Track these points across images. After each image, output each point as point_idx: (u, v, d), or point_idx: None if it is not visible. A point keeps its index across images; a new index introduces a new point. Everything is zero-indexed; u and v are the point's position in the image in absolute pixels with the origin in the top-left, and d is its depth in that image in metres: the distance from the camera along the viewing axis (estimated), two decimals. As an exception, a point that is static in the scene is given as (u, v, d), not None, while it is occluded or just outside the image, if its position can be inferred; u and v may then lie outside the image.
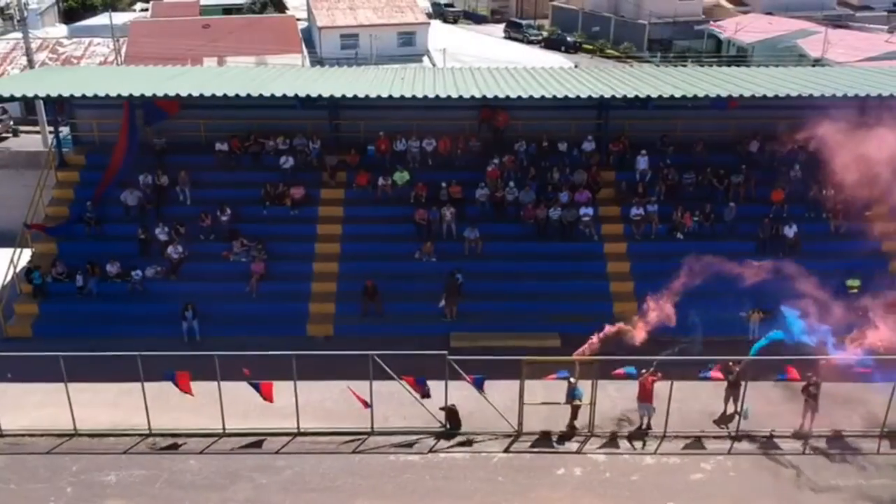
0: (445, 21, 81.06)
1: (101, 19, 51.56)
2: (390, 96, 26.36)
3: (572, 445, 21.41)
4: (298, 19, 56.09)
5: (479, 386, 21.21)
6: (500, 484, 20.00)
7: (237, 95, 25.77)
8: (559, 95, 26.49)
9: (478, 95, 26.73)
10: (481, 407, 21.76)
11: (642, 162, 29.13)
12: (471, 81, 29.85)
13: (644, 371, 21.56)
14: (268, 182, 28.51)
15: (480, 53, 49.40)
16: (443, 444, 21.42)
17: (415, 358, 21.26)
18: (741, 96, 26.54)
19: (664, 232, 28.04)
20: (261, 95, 26.03)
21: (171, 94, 26.29)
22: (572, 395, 21.51)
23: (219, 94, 25.82)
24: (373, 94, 26.10)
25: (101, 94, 26.00)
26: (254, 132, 29.71)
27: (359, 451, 21.12)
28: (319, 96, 26.47)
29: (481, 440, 21.55)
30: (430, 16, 69.10)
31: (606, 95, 26.28)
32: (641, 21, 66.94)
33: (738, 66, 47.27)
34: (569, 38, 70.00)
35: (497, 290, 26.69)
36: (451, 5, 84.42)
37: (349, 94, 26.07)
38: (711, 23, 64.16)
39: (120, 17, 57.65)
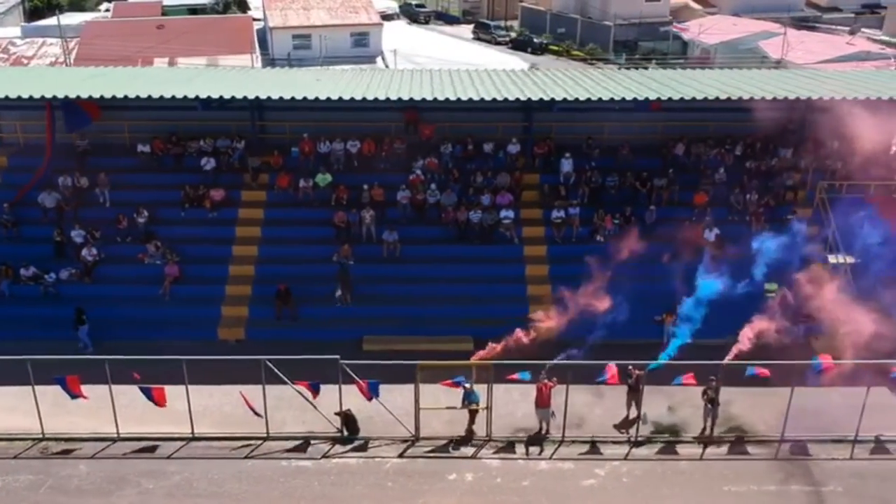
0: (417, 22, 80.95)
1: (56, 20, 51.25)
2: (304, 98, 26.20)
3: (468, 450, 21.25)
4: (256, 20, 56.03)
5: (373, 391, 21.01)
6: (388, 489, 19.84)
7: (150, 97, 25.65)
8: (475, 98, 26.34)
9: (405, 97, 26.46)
10: (382, 412, 21.60)
11: (566, 164, 28.99)
12: (398, 83, 29.70)
13: (543, 374, 21.39)
14: (187, 184, 28.28)
15: (436, 55, 49.24)
16: (338, 449, 21.25)
17: (324, 361, 21.02)
18: (659, 99, 26.38)
19: (585, 235, 27.87)
20: (173, 97, 25.89)
21: (84, 95, 26.10)
22: (468, 399, 21.35)
23: (131, 95, 25.68)
24: (286, 96, 25.99)
25: (13, 95, 25.79)
26: (177, 134, 29.48)
27: (251, 457, 20.93)
28: (233, 98, 26.24)
29: (377, 445, 21.37)
30: (396, 16, 68.93)
31: (511, 98, 26.10)
32: (607, 22, 66.79)
33: (702, 68, 47.15)
34: (535, 40, 69.84)
35: (413, 294, 26.52)
36: (422, 6, 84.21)
37: (263, 96, 26.01)
38: (675, 24, 63.99)
39: (81, 17, 57.40)
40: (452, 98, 26.46)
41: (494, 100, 26.16)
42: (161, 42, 48.91)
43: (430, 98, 26.57)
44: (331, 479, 20.12)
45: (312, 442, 21.43)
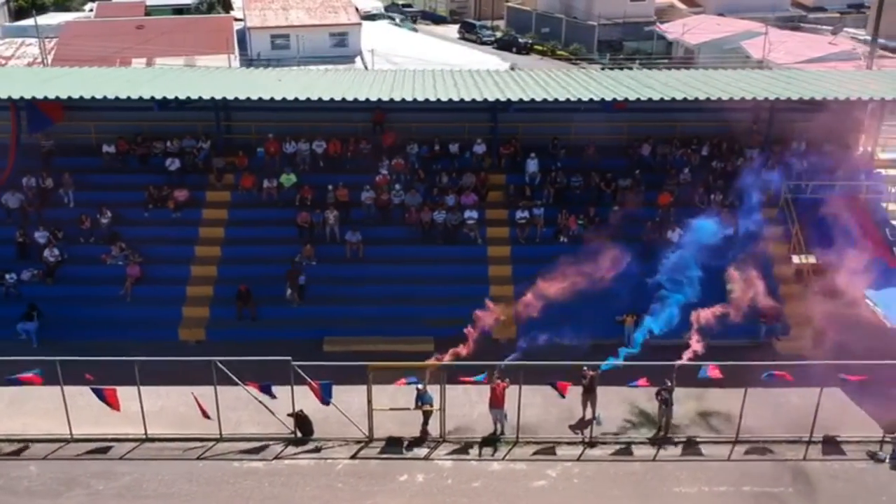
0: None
1: (40, 19, 51.20)
2: (270, 98, 26.16)
3: (421, 451, 21.23)
4: (239, 20, 55.97)
5: (325, 392, 20.97)
6: (338, 490, 19.83)
7: (105, 98, 25.57)
8: (443, 98, 26.29)
9: (371, 98, 26.41)
10: (337, 413, 21.56)
11: (532, 165, 28.97)
12: (365, 84, 29.67)
13: (496, 374, 21.37)
14: (151, 184, 28.24)
15: (415, 55, 49.14)
16: (291, 450, 21.20)
17: (282, 362, 20.92)
18: (622, 100, 26.32)
19: (550, 235, 27.84)
20: (140, 98, 25.89)
21: (40, 96, 26.02)
22: (422, 400, 21.32)
23: (87, 96, 25.69)
24: (244, 97, 26.02)
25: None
26: (142, 134, 29.45)
27: (203, 458, 20.89)
28: (189, 98, 26.22)
29: (330, 446, 21.34)
30: (373, 17, 68.87)
31: (477, 98, 26.07)
32: (591, 22, 66.78)
33: (686, 68, 47.06)
34: (520, 40, 69.85)
35: (375, 294, 26.46)
36: (409, 6, 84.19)
37: (219, 97, 26.08)
38: (657, 24, 63.97)
39: (62, 18, 57.35)
40: (420, 98, 26.42)
41: (452, 100, 26.09)
42: (140, 42, 48.83)
43: (397, 99, 26.58)
44: (281, 480, 20.08)
45: (266, 443, 21.37)
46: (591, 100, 25.88)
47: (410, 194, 28.06)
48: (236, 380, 20.92)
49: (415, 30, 64.93)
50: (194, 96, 25.84)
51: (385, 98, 26.06)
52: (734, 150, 29.22)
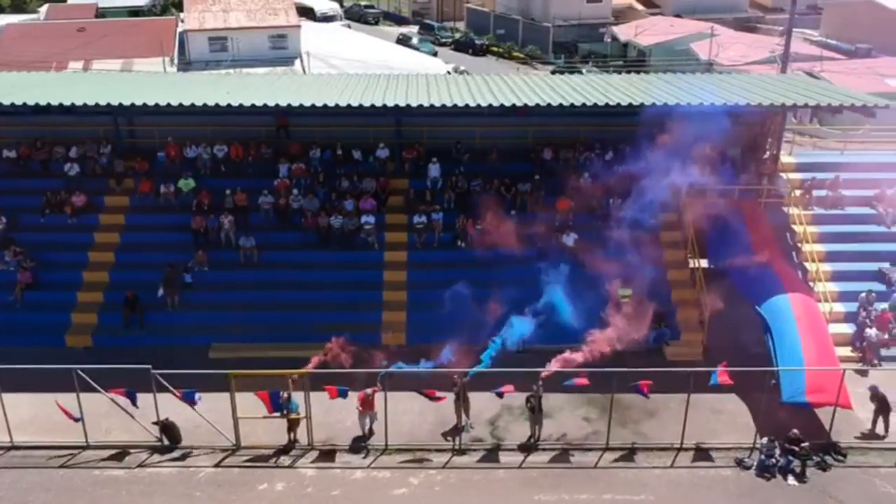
0: (366, 23, 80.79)
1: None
2: (168, 104, 26.11)
3: (287, 459, 21.12)
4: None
5: (189, 400, 20.85)
6: (195, 499, 19.73)
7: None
8: (330, 104, 26.14)
9: (270, 104, 26.33)
10: (209, 420, 21.44)
11: (433, 170, 28.88)
12: (273, 88, 29.63)
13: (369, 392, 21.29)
14: (48, 190, 28.10)
15: (355, 57, 49.01)
16: (156, 458, 21.09)
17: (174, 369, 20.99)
18: (525, 105, 26.28)
19: (448, 240, 27.75)
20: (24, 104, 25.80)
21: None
22: (287, 407, 21.19)
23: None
24: (141, 102, 25.92)
25: None
26: (43, 138, 29.29)
27: (67, 466, 20.78)
28: (97, 104, 26.15)
29: (196, 455, 21.24)
30: (329, 18, 68.65)
31: (366, 105, 25.95)
32: (546, 24, 66.68)
33: (637, 70, 46.91)
34: (476, 41, 69.73)
35: (268, 300, 26.33)
36: (371, 6, 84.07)
37: (115, 103, 26.00)
38: (608, 26, 63.91)
39: (6, 20, 57.02)
40: (319, 104, 26.27)
41: (351, 106, 25.93)
42: (80, 45, 48.61)
43: (294, 105, 26.60)
44: (140, 489, 19.98)
45: (132, 451, 21.27)
46: (490, 105, 25.78)
47: (308, 199, 27.94)
48: (97, 387, 20.78)
49: (435, 53, 62.10)
50: (91, 103, 25.91)
51: (283, 104, 26.02)
52: (637, 155, 29.00)
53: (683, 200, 28.08)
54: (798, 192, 28.78)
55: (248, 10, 49.21)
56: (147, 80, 32.46)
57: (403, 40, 64.63)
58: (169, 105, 26.05)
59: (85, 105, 26.13)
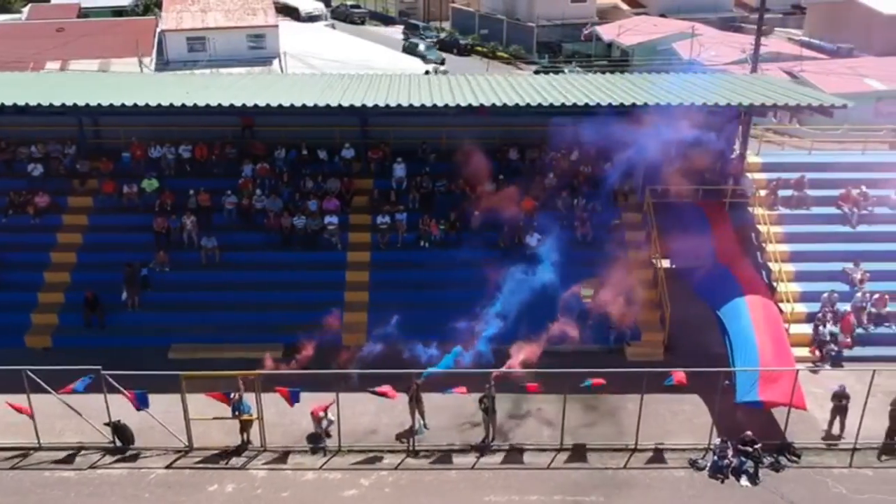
0: (353, 22, 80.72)
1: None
2: (135, 105, 25.93)
3: (240, 461, 21.06)
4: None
5: (140, 401, 20.78)
6: (145, 500, 19.69)
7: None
8: (291, 104, 26.01)
9: (237, 104, 26.15)
10: (163, 421, 21.37)
11: (399, 170, 28.82)
12: (236, 88, 29.51)
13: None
14: (12, 190, 28.02)
15: (333, 57, 48.93)
16: (107, 459, 21.04)
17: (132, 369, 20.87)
18: (482, 105, 26.19)
19: (412, 241, 27.69)
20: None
21: None
22: (238, 409, 21.12)
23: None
24: (106, 103, 25.86)
25: None
26: (6, 139, 29.21)
27: (17, 468, 20.73)
28: (51, 104, 26.04)
29: (148, 456, 21.18)
30: (314, 18, 68.58)
31: (325, 105, 25.85)
32: (530, 24, 66.60)
33: (621, 71, 46.68)
34: (461, 41, 69.64)
35: (229, 301, 26.29)
36: (357, 6, 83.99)
37: (82, 103, 25.84)
38: (589, 25, 63.83)
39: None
40: (282, 105, 26.12)
41: (317, 105, 25.84)
42: (60, 45, 48.52)
43: (261, 105, 26.35)
44: (89, 491, 19.92)
45: (84, 453, 21.21)
46: (455, 104, 25.71)
47: (272, 199, 27.86)
48: (48, 388, 20.72)
49: (443, 60, 61.17)
50: (57, 103, 25.79)
51: (245, 104, 25.80)
52: (602, 155, 28.98)
53: (648, 200, 28.02)
54: (763, 192, 28.70)
55: (227, 10, 49.14)
56: (113, 81, 32.38)
57: (410, 48, 62.63)
58: (124, 105, 25.79)
59: (40, 105, 25.95)
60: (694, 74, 33.79)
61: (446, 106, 26.27)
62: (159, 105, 25.80)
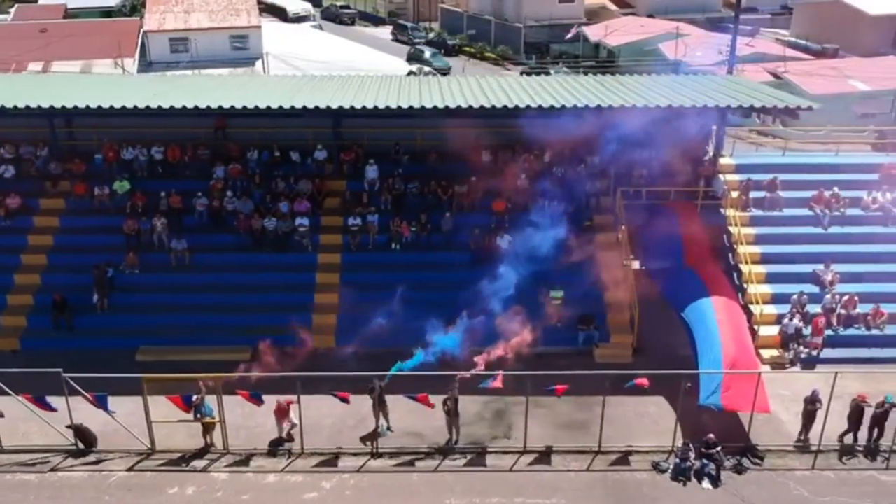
0: (342, 23, 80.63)
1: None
2: (99, 107, 25.98)
3: (202, 463, 21.03)
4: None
5: (101, 404, 20.74)
6: (105, 503, 19.62)
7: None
8: (262, 106, 26.04)
9: (207, 105, 26.33)
10: (126, 424, 21.32)
11: (371, 171, 28.80)
12: (207, 89, 29.50)
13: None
14: (-18, 192, 28.03)
15: (316, 57, 48.91)
16: (69, 462, 21.01)
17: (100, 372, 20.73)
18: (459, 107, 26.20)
19: (383, 242, 27.67)
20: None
21: None
22: (200, 411, 21.09)
23: None
24: (82, 104, 26.00)
25: None
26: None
27: (-21, 471, 20.69)
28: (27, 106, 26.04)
29: (111, 458, 21.14)
30: (301, 19, 68.55)
31: (310, 106, 25.86)
32: (518, 24, 66.55)
33: (606, 72, 46.61)
34: (449, 41, 69.56)
35: (198, 303, 26.26)
36: (347, 7, 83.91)
37: (45, 105, 25.76)
38: (576, 26, 63.75)
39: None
40: (251, 106, 26.14)
41: (288, 107, 25.86)
42: (41, 46, 48.43)
43: (226, 106, 26.45)
44: (49, 494, 19.89)
45: (47, 455, 21.16)
46: (420, 106, 25.73)
47: (243, 201, 27.84)
48: (9, 391, 20.69)
49: (449, 66, 60.18)
50: (34, 105, 25.86)
51: (215, 105, 25.93)
52: (576, 157, 28.99)
53: (619, 202, 28.01)
54: (735, 194, 28.69)
55: (211, 11, 49.11)
56: (86, 82, 32.37)
57: (416, 56, 61.64)
58: (89, 107, 25.92)
59: (8, 107, 25.93)
60: (669, 76, 33.87)
61: (411, 108, 26.22)
62: (124, 107, 25.86)
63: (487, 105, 25.97)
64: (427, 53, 61.38)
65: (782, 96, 26.42)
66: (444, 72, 54.91)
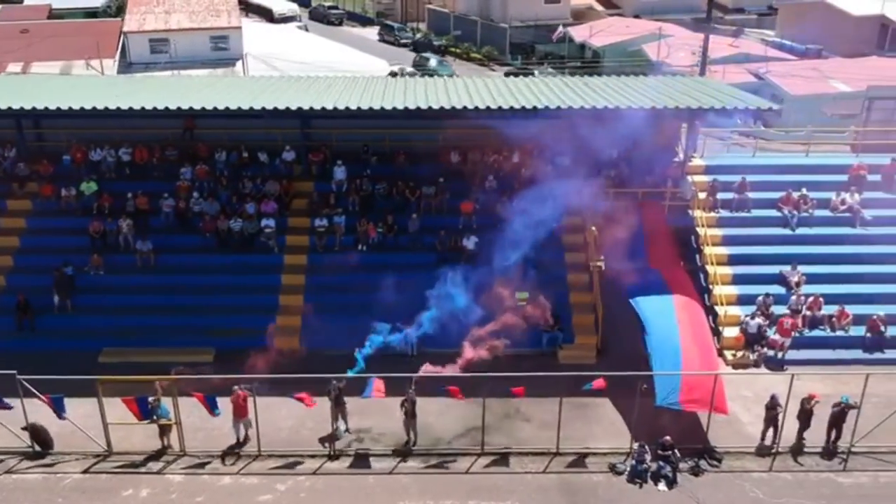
0: (330, 23, 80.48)
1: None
2: (58, 108, 25.89)
3: (157, 466, 20.98)
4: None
5: (57, 406, 20.69)
6: (56, 506, 19.60)
7: None
8: (244, 107, 25.91)
9: (175, 107, 26.17)
10: (83, 426, 21.27)
11: (339, 172, 28.75)
12: (175, 89, 29.45)
13: (237, 388, 21.17)
14: (-51, 194, 27.97)
15: (298, 58, 48.81)
16: (25, 464, 20.95)
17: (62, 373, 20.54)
18: (418, 108, 26.14)
19: (350, 243, 27.63)
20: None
21: None
22: (156, 413, 21.03)
23: None
24: (53, 106, 25.83)
25: None
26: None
27: (-67, 474, 20.62)
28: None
29: (67, 461, 21.08)
30: (288, 19, 68.51)
31: (281, 107, 25.75)
32: (503, 25, 66.53)
33: (591, 72, 46.54)
34: (435, 42, 69.54)
35: (163, 304, 26.21)
36: (335, 7, 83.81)
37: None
38: (561, 26, 63.69)
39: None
40: (220, 107, 26.07)
41: (256, 109, 25.81)
42: (22, 47, 48.37)
43: (196, 108, 26.47)
44: (2, 497, 19.82)
45: (1, 458, 21.09)
46: (392, 108, 25.68)
47: (209, 202, 27.79)
48: (-35, 394, 20.64)
49: (451, 74, 57.73)
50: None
51: (181, 106, 25.89)
52: (545, 158, 28.92)
53: (587, 203, 27.91)
54: (703, 195, 28.66)
55: (192, 12, 49.04)
56: (57, 83, 32.29)
57: (420, 63, 59.45)
58: (46, 109, 25.82)
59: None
60: (640, 77, 33.87)
61: (382, 109, 26.16)
62: (85, 108, 25.84)
63: (447, 107, 25.93)
64: (433, 62, 60.02)
65: (746, 97, 26.37)
66: None
